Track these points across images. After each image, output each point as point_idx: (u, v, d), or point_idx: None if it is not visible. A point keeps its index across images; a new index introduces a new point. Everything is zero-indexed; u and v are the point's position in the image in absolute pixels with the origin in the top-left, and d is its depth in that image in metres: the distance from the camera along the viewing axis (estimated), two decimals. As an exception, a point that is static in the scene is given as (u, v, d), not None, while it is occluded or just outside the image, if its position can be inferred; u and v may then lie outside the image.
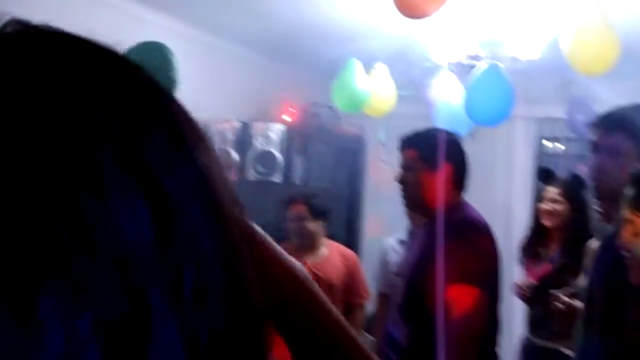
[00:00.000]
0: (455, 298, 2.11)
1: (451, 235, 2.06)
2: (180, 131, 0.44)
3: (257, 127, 4.76)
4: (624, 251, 1.54)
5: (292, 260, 0.71)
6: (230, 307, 0.41)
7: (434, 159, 2.33)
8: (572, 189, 3.48)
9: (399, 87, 4.12)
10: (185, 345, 0.37)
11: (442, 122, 3.88)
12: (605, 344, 1.59)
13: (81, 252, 0.34)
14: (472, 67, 3.46)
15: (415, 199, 2.41)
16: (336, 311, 0.72)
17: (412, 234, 2.51)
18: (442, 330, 2.02)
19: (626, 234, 1.52)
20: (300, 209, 3.78)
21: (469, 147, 5.36)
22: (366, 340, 4.09)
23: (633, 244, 1.50)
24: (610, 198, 1.64)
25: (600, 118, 1.93)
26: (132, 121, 0.40)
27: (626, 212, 1.51)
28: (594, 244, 2.13)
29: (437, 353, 2.02)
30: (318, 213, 3.82)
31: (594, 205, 1.97)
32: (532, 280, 3.45)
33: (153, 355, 0.35)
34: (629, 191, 1.51)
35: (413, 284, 2.30)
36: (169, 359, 0.36)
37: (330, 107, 4.82)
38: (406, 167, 2.42)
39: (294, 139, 4.85)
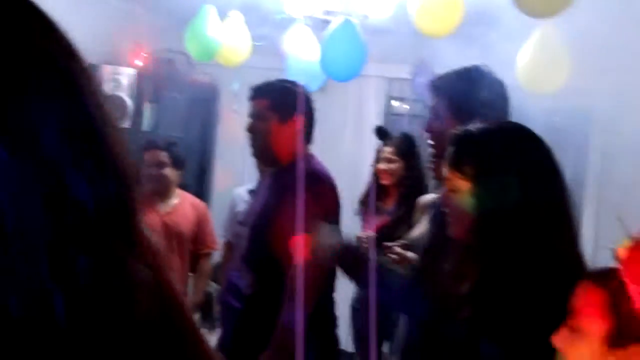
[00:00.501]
0: (299, 247, 2.17)
1: (295, 186, 2.11)
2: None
3: (107, 70, 4.59)
4: (443, 207, 1.65)
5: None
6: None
7: (284, 109, 2.37)
8: (405, 147, 3.71)
9: (254, 38, 4.09)
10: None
11: (294, 76, 3.92)
12: (424, 291, 1.69)
13: None
14: (327, 22, 3.50)
15: (264, 148, 2.44)
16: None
17: (259, 184, 2.53)
18: (288, 276, 2.07)
19: (445, 191, 1.63)
20: (160, 156, 3.71)
21: (319, 102, 5.48)
22: (212, 288, 4.13)
23: (450, 199, 1.60)
24: (440, 156, 1.73)
25: (437, 80, 2.02)
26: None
27: (445, 170, 1.61)
28: (424, 199, 2.26)
29: (281, 300, 2.07)
30: (177, 161, 3.78)
31: (428, 163, 2.08)
32: (370, 232, 3.62)
33: None
34: (449, 150, 1.61)
35: (258, 233, 2.33)
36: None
37: (185, 55, 4.72)
38: (256, 116, 2.43)
39: (145, 85, 4.73)
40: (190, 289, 3.92)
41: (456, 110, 1.85)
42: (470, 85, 1.87)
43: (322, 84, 4.23)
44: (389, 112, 5.95)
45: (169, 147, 3.78)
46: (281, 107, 2.38)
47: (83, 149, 0.51)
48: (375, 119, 5.79)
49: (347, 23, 3.17)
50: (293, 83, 2.51)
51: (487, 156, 1.56)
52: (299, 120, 2.37)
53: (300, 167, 2.19)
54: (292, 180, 2.13)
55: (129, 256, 0.52)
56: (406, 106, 5.86)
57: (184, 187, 4.54)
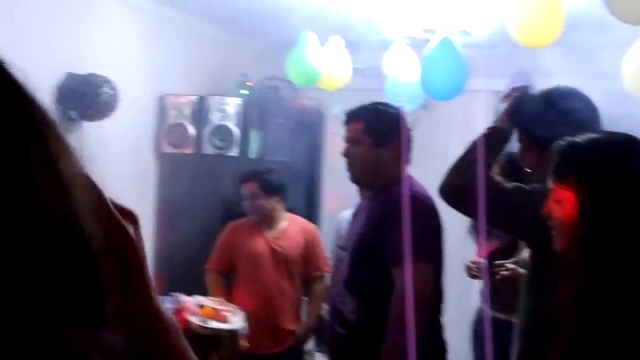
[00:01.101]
0: (402, 272, 2.14)
1: (394, 209, 2.09)
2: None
3: (214, 100, 4.74)
4: (548, 220, 1.59)
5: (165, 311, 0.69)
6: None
7: (378, 132, 2.36)
8: (510, 167, 3.55)
9: (354, 60, 4.12)
10: None
11: (393, 96, 3.91)
12: (537, 305, 1.65)
13: None
14: (427, 41, 3.48)
15: (360, 172, 2.44)
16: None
17: (358, 207, 2.53)
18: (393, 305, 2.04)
19: (549, 203, 1.58)
20: (253, 187, 3.81)
21: (423, 120, 5.42)
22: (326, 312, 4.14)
23: (554, 211, 1.55)
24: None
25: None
26: None
27: (550, 182, 1.57)
28: None
29: (386, 327, 2.05)
30: (272, 189, 3.84)
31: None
32: (480, 258, 3.51)
33: None
34: (553, 161, 1.57)
35: (357, 257, 2.32)
36: None
37: (288, 81, 4.80)
38: (351, 140, 2.43)
39: (251, 113, 4.84)
40: (304, 313, 3.95)
41: (534, 137, 1.83)
42: (545, 109, 1.84)
43: (423, 102, 4.20)
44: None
45: (260, 176, 3.84)
46: (376, 130, 2.37)
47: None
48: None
49: (446, 41, 3.13)
50: (387, 105, 2.50)
51: (591, 167, 1.51)
52: (395, 143, 2.35)
53: (401, 190, 2.17)
54: (389, 203, 2.11)
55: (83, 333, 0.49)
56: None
57: (292, 210, 4.60)
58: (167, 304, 2.45)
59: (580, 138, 1.57)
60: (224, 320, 2.63)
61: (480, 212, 3.51)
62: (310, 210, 5.89)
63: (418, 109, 4.52)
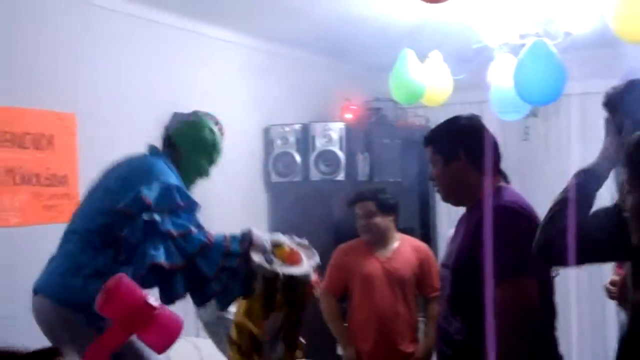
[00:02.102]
0: (504, 288, 2.05)
1: (488, 221, 2.01)
2: None
3: (317, 127, 4.78)
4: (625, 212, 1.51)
5: None
6: None
7: (444, 150, 2.31)
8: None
9: (454, 73, 4.04)
10: None
11: (498, 105, 3.79)
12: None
13: None
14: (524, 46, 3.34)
15: (445, 193, 2.40)
16: None
17: (457, 224, 2.45)
18: (492, 322, 1.97)
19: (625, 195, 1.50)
20: (368, 206, 3.78)
21: (537, 127, 5.21)
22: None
23: (631, 204, 1.46)
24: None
25: None
26: None
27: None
28: None
29: (488, 345, 1.96)
30: (386, 208, 3.81)
31: None
32: (621, 273, 3.30)
33: None
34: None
35: (458, 275, 2.25)
36: None
37: (392, 101, 4.77)
38: (430, 163, 2.41)
39: (356, 136, 4.84)
40: (421, 333, 3.88)
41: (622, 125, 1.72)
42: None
43: (532, 109, 4.04)
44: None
45: (375, 195, 3.82)
46: (441, 149, 2.33)
47: None
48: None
49: (539, 43, 3.00)
50: (458, 118, 2.42)
51: None
52: (469, 155, 2.27)
53: (492, 202, 2.09)
54: (482, 217, 2.03)
55: None
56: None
57: (405, 230, 4.53)
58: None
59: None
60: (297, 262, 2.61)
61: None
62: (424, 229, 5.80)
63: (527, 116, 4.37)
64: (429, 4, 2.10)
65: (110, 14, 3.74)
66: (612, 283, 3.23)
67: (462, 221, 2.39)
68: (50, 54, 3.41)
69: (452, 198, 2.42)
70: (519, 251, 2.04)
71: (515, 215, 2.15)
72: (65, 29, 3.50)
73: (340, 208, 4.76)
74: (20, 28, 3.30)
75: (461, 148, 2.28)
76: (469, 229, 2.22)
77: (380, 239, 3.82)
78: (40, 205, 3.27)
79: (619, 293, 3.05)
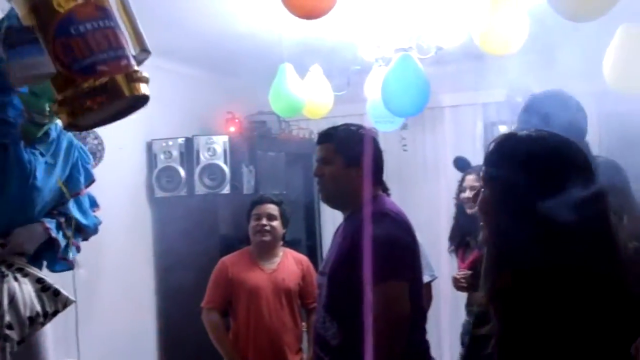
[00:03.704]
0: (377, 292, 2.13)
1: (366, 229, 2.09)
2: None
3: (201, 140, 4.77)
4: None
5: None
6: None
7: (350, 152, 2.37)
8: None
9: (336, 86, 4.15)
10: None
11: (373, 116, 3.93)
12: None
13: None
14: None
15: (332, 192, 2.45)
16: None
17: (335, 231, 2.53)
18: (369, 326, 2.04)
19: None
20: (271, 209, 3.81)
21: (414, 137, 5.40)
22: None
23: None
24: None
25: None
26: None
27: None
28: None
29: (364, 350, 2.04)
30: (285, 218, 3.86)
31: None
32: (464, 269, 3.50)
33: None
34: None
35: (334, 281, 2.31)
36: None
37: (276, 114, 4.83)
38: (322, 160, 2.44)
39: (240, 149, 4.86)
40: (305, 343, 3.93)
41: None
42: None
43: (405, 121, 4.21)
44: (493, 137, 5.81)
45: (280, 202, 3.88)
46: (347, 150, 2.39)
47: None
48: (476, 146, 5.67)
49: (403, 58, 3.16)
50: (358, 126, 2.51)
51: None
52: (366, 163, 2.35)
53: (372, 209, 2.18)
54: (360, 224, 2.11)
55: None
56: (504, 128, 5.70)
57: (295, 241, 4.59)
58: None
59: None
60: None
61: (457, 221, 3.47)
62: (310, 240, 5.89)
63: (401, 128, 4.54)
64: (307, 21, 2.17)
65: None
66: (460, 275, 3.44)
67: (338, 229, 2.47)
68: None
69: (334, 200, 2.47)
70: (391, 256, 2.13)
71: (388, 222, 2.24)
72: None
73: (226, 222, 4.77)
74: None
75: (361, 155, 2.34)
76: (346, 236, 2.30)
77: (271, 246, 3.85)
78: None
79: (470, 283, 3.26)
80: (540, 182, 1.43)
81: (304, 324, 3.95)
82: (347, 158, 2.38)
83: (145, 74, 1.59)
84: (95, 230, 2.57)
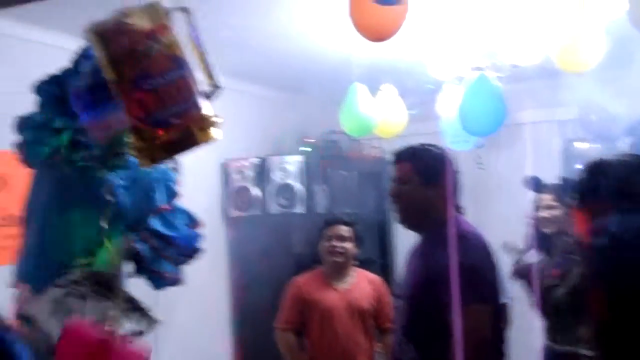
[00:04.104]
0: (460, 316, 2.09)
1: (445, 250, 2.05)
2: None
3: (275, 161, 4.82)
4: None
5: None
6: None
7: (427, 172, 2.34)
8: (563, 193, 3.48)
9: (408, 106, 4.13)
10: None
11: (448, 136, 3.88)
12: None
13: None
14: (475, 79, 3.45)
15: (408, 213, 2.40)
16: None
17: (411, 252, 2.48)
18: (454, 350, 2.00)
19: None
20: (344, 230, 3.81)
21: (489, 155, 5.31)
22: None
23: None
24: None
25: None
26: None
27: None
28: None
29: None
30: (358, 239, 3.86)
31: None
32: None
33: None
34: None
35: (414, 304, 2.28)
36: None
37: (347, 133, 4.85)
38: (399, 180, 2.40)
39: (313, 169, 4.89)
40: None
41: None
42: None
43: (481, 141, 4.14)
44: (570, 154, 5.67)
45: (352, 223, 3.87)
46: (424, 170, 2.35)
47: None
48: (554, 163, 5.53)
49: (480, 78, 3.11)
50: (434, 146, 2.48)
51: None
52: (443, 183, 2.31)
53: (450, 231, 2.14)
54: (439, 245, 2.07)
55: None
56: (586, 146, 5.54)
57: (368, 261, 4.55)
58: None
59: None
60: None
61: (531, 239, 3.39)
62: (383, 260, 5.85)
63: (477, 147, 4.47)
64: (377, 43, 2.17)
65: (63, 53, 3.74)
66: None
67: (415, 251, 2.43)
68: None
69: (411, 221, 2.42)
70: (476, 279, 2.09)
71: (470, 244, 2.20)
72: (14, 69, 3.50)
73: (300, 241, 4.79)
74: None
75: (439, 175, 2.30)
76: (426, 259, 2.26)
77: (344, 267, 3.84)
78: (-5, 246, 3.24)
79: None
80: None
81: (378, 344, 3.92)
82: (424, 178, 2.33)
83: (216, 117, 1.64)
84: (191, 244, 2.52)
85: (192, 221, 2.56)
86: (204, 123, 1.61)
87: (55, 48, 3.56)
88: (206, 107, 1.64)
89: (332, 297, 3.81)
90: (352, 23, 2.08)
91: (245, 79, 4.97)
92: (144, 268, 2.39)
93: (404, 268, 2.51)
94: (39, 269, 2.18)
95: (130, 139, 1.62)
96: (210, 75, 1.67)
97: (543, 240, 3.60)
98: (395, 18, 2.02)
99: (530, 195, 4.07)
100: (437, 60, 3.69)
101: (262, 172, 4.82)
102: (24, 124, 2.08)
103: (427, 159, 2.38)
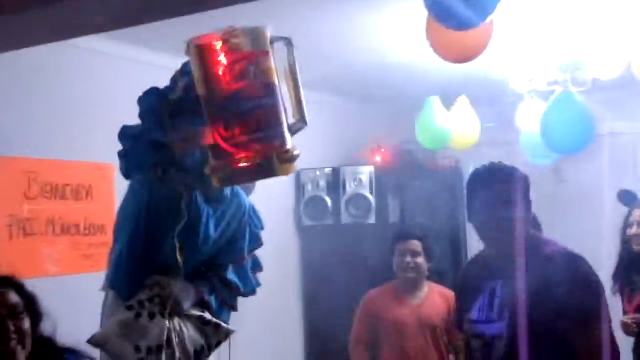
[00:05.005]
0: (582, 338, 2.07)
1: (553, 271, 2.01)
2: None
3: (348, 171, 4.84)
4: None
5: None
6: None
7: (528, 194, 2.27)
8: None
9: (482, 119, 4.08)
10: None
11: (528, 150, 3.81)
12: None
13: None
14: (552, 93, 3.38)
15: (518, 236, 2.30)
16: None
17: (494, 272, 2.38)
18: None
19: None
20: (415, 245, 3.76)
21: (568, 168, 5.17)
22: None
23: None
24: None
25: None
26: None
27: None
28: None
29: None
30: (429, 253, 3.80)
31: None
32: (631, 312, 3.29)
33: None
34: None
35: (524, 329, 2.17)
36: None
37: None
38: (512, 203, 2.31)
39: (386, 180, 4.88)
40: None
41: None
42: None
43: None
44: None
45: (423, 237, 3.80)
46: (526, 192, 2.28)
47: None
48: (637, 176, 5.35)
49: (564, 95, 3.03)
50: (511, 168, 2.37)
51: None
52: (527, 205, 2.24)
53: (548, 251, 2.08)
54: (542, 268, 2.02)
55: None
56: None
57: (442, 273, 4.51)
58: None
59: None
60: None
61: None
62: (456, 272, 5.77)
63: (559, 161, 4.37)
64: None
65: (146, 68, 3.86)
66: (633, 319, 3.21)
67: (501, 272, 2.29)
68: (87, 108, 3.53)
69: (513, 245, 2.33)
70: (590, 298, 2.05)
71: (579, 262, 2.14)
72: (101, 85, 3.63)
73: (372, 251, 4.78)
74: (58, 86, 3.43)
75: (524, 196, 2.24)
76: (527, 282, 2.15)
77: (416, 282, 3.80)
78: (79, 254, 3.36)
79: None
80: None
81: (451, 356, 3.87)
82: (528, 201, 2.27)
83: (296, 151, 1.64)
84: (253, 293, 2.49)
85: (258, 267, 2.54)
86: (285, 156, 1.60)
87: (163, 69, 3.66)
88: (290, 141, 1.63)
89: (403, 313, 3.76)
90: (430, 45, 2.06)
91: (320, 89, 5.00)
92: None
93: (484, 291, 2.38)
94: (124, 279, 2.23)
95: (208, 156, 1.64)
96: (299, 110, 1.67)
97: (633, 259, 3.46)
98: (477, 40, 1.99)
99: (613, 208, 3.93)
100: (518, 73, 3.63)
101: (335, 182, 4.84)
102: (125, 134, 2.10)
103: (527, 180, 2.32)
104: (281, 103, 1.63)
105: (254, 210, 2.48)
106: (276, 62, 1.63)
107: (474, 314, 2.32)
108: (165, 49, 3.85)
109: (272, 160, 1.58)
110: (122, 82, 3.72)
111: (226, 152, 1.58)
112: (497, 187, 2.23)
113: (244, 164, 1.56)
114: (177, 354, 2.15)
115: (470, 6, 1.83)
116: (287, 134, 1.62)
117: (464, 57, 2.06)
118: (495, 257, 2.32)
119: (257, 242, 2.49)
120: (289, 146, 1.62)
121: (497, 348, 2.22)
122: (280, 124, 1.60)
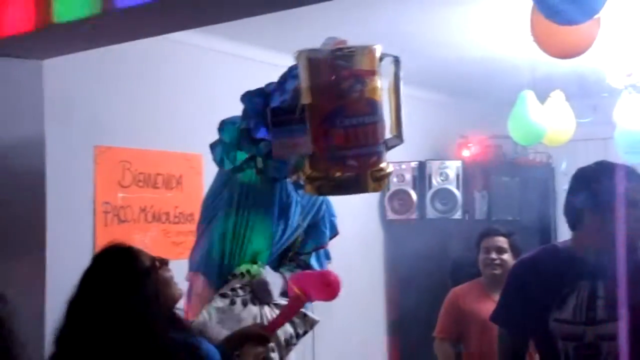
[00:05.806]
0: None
1: None
2: None
3: (434, 165, 4.78)
4: None
5: None
6: None
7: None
8: None
9: (577, 114, 3.94)
10: None
11: (623, 146, 3.66)
12: None
13: None
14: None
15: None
16: None
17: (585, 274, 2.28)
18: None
19: None
20: (501, 241, 3.70)
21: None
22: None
23: None
24: None
25: None
26: None
27: None
28: None
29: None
30: (516, 249, 3.73)
31: None
32: None
33: None
34: None
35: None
36: None
37: (511, 138, 4.71)
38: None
39: (473, 174, 4.80)
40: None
41: None
42: None
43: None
44: None
45: (509, 233, 3.73)
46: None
47: None
48: None
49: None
50: (612, 164, 2.27)
51: None
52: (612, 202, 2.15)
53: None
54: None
55: None
56: None
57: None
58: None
59: None
60: None
61: None
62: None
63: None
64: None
65: (234, 59, 3.92)
66: None
67: (602, 271, 2.20)
68: (178, 100, 3.62)
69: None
70: None
71: None
72: (191, 78, 3.71)
73: (457, 247, 4.71)
74: (159, 79, 3.54)
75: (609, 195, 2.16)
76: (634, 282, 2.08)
77: (502, 279, 3.72)
78: (169, 241, 3.46)
79: None
80: None
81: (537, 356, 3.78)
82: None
83: (389, 169, 1.64)
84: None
85: (328, 258, 2.61)
86: (378, 174, 1.62)
87: (267, 64, 3.72)
88: (385, 157, 1.64)
89: (490, 309, 3.68)
90: (534, 40, 1.99)
91: (408, 82, 4.94)
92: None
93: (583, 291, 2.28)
94: (216, 266, 2.29)
95: (305, 165, 1.66)
96: (397, 126, 1.69)
97: None
98: (584, 36, 1.91)
99: None
100: (615, 67, 3.48)
101: (421, 176, 4.80)
102: (226, 126, 2.16)
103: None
104: (383, 121, 1.64)
105: (328, 199, 2.53)
106: (381, 76, 1.64)
107: (565, 314, 2.22)
108: (261, 44, 3.91)
109: (366, 177, 1.59)
110: (218, 76, 3.79)
111: (323, 163, 1.60)
112: (631, 186, 2.15)
113: (339, 177, 1.59)
114: (270, 342, 2.19)
115: (579, 2, 1.78)
116: (383, 151, 1.63)
117: (570, 53, 1.99)
118: (596, 254, 2.21)
119: (334, 230, 2.57)
120: (383, 164, 1.63)
121: (604, 350, 2.13)
122: (378, 142, 1.62)
